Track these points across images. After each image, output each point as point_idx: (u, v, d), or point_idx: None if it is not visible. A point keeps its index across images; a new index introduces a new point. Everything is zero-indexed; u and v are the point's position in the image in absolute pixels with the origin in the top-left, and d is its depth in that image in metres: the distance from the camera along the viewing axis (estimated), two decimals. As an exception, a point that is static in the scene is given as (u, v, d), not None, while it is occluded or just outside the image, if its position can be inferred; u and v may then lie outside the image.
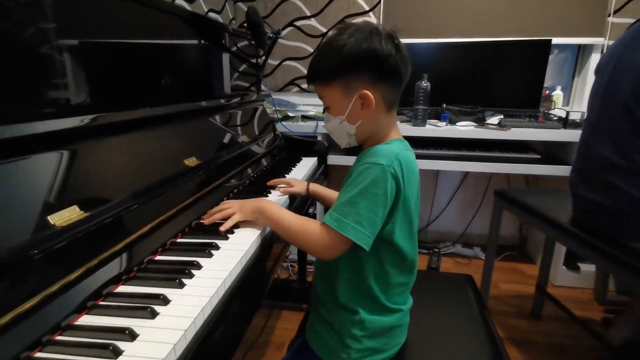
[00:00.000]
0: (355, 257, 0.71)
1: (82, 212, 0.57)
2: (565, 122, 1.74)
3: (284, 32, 2.18)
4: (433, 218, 2.35)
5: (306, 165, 1.37)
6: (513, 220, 2.25)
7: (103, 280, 0.56)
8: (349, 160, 1.74)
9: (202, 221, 0.79)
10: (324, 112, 0.78)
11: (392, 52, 0.67)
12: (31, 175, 0.54)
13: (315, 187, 1.01)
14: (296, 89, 2.30)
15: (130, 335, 0.46)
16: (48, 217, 0.52)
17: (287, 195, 0.99)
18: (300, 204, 1.05)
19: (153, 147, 0.84)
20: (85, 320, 0.50)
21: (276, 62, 2.26)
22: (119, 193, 0.67)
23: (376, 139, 0.75)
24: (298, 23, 2.18)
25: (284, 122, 1.88)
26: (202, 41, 1.16)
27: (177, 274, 0.59)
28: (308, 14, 2.16)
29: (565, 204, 1.29)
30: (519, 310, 1.72)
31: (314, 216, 1.88)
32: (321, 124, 1.81)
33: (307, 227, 0.71)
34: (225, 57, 1.33)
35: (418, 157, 1.68)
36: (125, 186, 0.70)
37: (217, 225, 0.76)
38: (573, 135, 1.63)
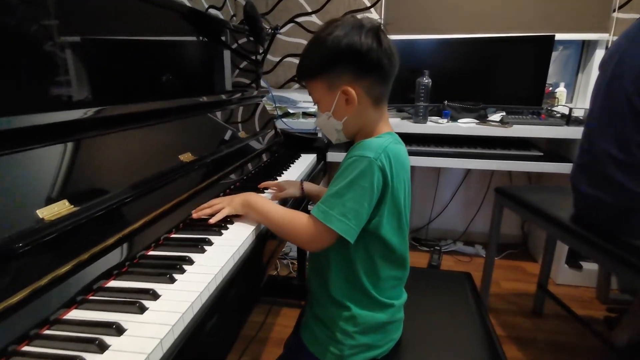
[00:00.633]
0: (346, 250, 0.71)
1: (72, 206, 0.57)
2: (568, 119, 1.72)
3: (284, 29, 2.18)
4: (435, 215, 2.34)
5: (304, 162, 1.37)
6: (515, 218, 2.23)
7: (94, 274, 0.56)
8: (349, 157, 1.73)
9: (192, 217, 0.78)
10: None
11: (373, 46, 0.66)
12: (21, 169, 0.54)
13: (310, 187, 1.00)
14: (297, 85, 2.29)
15: (117, 329, 0.46)
16: (37, 211, 0.52)
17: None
18: (295, 203, 1.05)
19: (148, 143, 0.84)
20: (74, 314, 0.50)
21: (277, 59, 2.25)
22: (112, 187, 0.67)
23: (365, 133, 0.74)
24: (299, 19, 2.17)
25: (284, 119, 1.87)
26: (201, 37, 1.16)
27: (169, 269, 0.59)
28: (309, 10, 2.15)
29: (567, 201, 1.27)
30: (520, 309, 1.71)
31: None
32: (321, 120, 1.80)
33: (293, 219, 0.71)
34: (224, 53, 1.33)
35: (419, 154, 1.72)
36: (118, 181, 0.70)
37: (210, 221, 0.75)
38: (576, 133, 1.61)
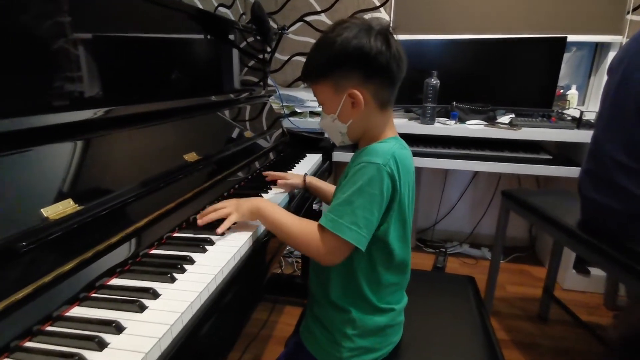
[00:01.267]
0: (348, 258, 0.70)
1: (77, 205, 0.58)
2: (579, 123, 1.69)
3: (293, 27, 2.18)
4: (441, 217, 2.32)
5: (310, 161, 1.37)
6: (522, 221, 2.20)
7: (97, 272, 0.57)
8: (355, 158, 1.73)
9: (198, 224, 0.74)
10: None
11: (382, 49, 0.65)
12: (27, 168, 0.55)
13: (312, 180, 1.01)
14: (304, 84, 2.29)
15: (116, 328, 0.47)
16: (42, 210, 0.53)
17: (287, 193, 0.99)
18: (301, 201, 1.05)
19: (155, 142, 0.85)
20: (76, 311, 0.51)
21: (285, 58, 2.25)
22: (117, 187, 0.68)
23: (370, 137, 0.73)
24: (308, 18, 2.17)
25: (291, 118, 1.88)
26: (210, 37, 1.17)
27: (170, 269, 0.60)
28: (318, 9, 2.15)
29: (574, 207, 1.25)
30: (525, 313, 1.69)
31: (319, 212, 1.88)
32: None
33: (307, 231, 0.68)
34: (232, 53, 1.33)
35: (425, 155, 1.71)
36: (123, 180, 0.71)
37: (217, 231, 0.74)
38: (586, 136, 1.58)
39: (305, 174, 1.02)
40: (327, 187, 0.99)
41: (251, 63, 1.49)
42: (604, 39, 1.90)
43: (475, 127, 1.74)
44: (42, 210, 0.53)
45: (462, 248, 2.25)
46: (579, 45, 1.99)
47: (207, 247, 0.68)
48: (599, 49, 1.98)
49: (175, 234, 0.74)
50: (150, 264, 0.63)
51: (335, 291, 0.74)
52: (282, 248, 0.94)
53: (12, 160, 0.54)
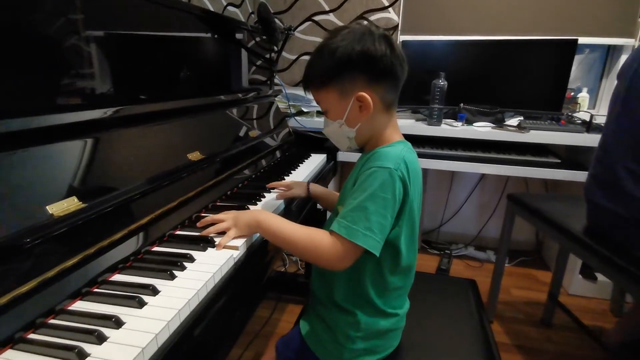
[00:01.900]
0: (355, 262, 0.69)
1: (81, 202, 0.59)
2: (589, 126, 1.67)
3: (302, 27, 2.19)
4: (447, 219, 2.31)
5: (314, 162, 1.38)
6: (529, 224, 2.18)
7: (100, 268, 0.59)
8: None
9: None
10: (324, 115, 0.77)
11: (387, 52, 0.66)
12: (32, 166, 0.57)
13: (316, 188, 1.01)
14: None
15: (116, 322, 0.48)
16: (47, 207, 0.55)
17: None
18: (304, 201, 1.06)
19: (158, 141, 0.87)
20: (78, 306, 0.52)
21: (293, 57, 2.26)
22: (121, 184, 0.70)
23: (377, 140, 0.74)
24: (316, 18, 2.18)
25: (297, 118, 1.88)
26: (218, 38, 1.18)
27: (170, 266, 0.61)
28: (327, 8, 2.15)
29: (580, 212, 1.24)
30: (529, 318, 1.68)
31: (324, 212, 1.88)
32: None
33: (315, 240, 0.67)
34: (240, 53, 1.35)
35: (432, 157, 1.71)
36: (128, 178, 0.72)
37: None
38: (596, 140, 1.53)
39: (308, 182, 1.02)
40: (331, 195, 0.99)
41: (258, 62, 1.50)
42: (615, 42, 1.87)
43: (482, 129, 1.73)
44: (47, 207, 0.55)
45: (467, 250, 2.24)
46: (592, 47, 1.96)
47: (207, 245, 0.69)
48: (611, 51, 1.95)
49: (177, 232, 0.75)
50: (151, 261, 0.65)
51: (340, 293, 0.74)
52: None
53: (18, 159, 0.55)
